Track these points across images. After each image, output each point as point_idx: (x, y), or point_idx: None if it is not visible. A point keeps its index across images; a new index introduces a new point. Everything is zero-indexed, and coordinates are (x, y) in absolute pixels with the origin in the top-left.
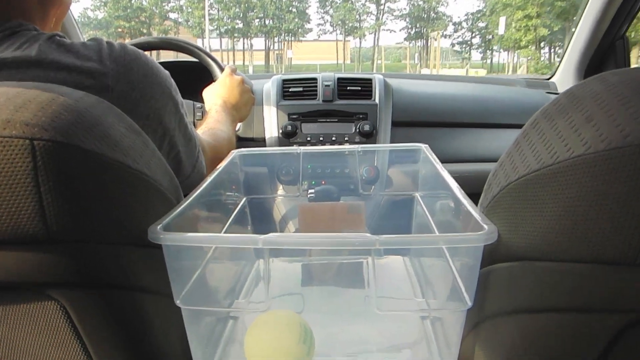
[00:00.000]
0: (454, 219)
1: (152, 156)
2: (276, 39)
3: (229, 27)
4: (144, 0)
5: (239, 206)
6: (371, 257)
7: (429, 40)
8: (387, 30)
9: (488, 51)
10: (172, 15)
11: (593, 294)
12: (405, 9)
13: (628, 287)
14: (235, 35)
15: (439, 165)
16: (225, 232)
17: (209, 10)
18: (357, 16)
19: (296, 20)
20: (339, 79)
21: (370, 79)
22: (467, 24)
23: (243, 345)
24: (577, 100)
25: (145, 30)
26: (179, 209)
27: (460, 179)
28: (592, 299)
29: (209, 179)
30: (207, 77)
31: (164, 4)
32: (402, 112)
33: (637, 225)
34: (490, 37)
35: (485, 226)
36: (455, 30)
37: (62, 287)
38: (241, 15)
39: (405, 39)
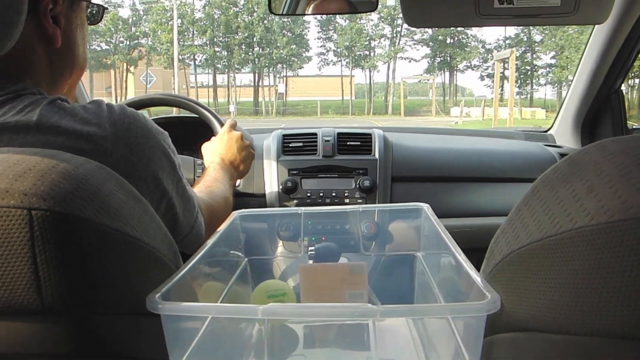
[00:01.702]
0: (457, 282)
1: (150, 222)
2: (267, 71)
3: (208, 55)
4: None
5: (240, 267)
6: (373, 321)
7: (455, 73)
8: (405, 59)
9: (526, 86)
10: (145, 40)
11: None
12: (427, 31)
13: None
14: (218, 67)
15: (440, 227)
16: (226, 294)
17: (178, 33)
18: (368, 41)
19: (293, 46)
20: (338, 134)
21: (369, 134)
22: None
23: None
24: (578, 169)
25: (108, 61)
26: (178, 276)
27: (461, 233)
28: None
29: (210, 242)
30: (208, 132)
31: (133, 26)
32: (402, 167)
33: None
34: (528, 69)
35: (488, 295)
36: (484, 61)
37: (57, 359)
38: (221, 40)
39: (425, 71)
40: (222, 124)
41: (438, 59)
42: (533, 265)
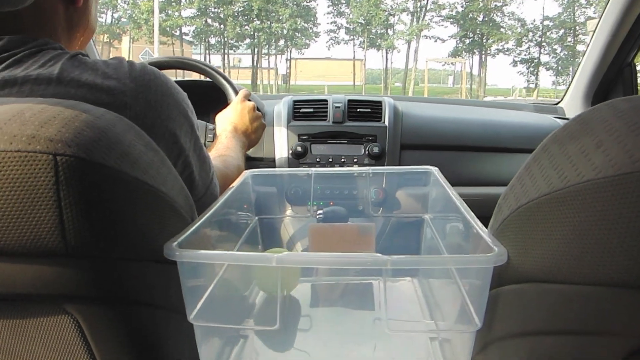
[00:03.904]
0: (464, 241)
1: (168, 174)
2: (267, 50)
3: (198, 28)
4: None
5: (250, 226)
6: (383, 278)
7: (485, 56)
8: (430, 37)
9: (567, 75)
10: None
11: (601, 317)
12: (456, 6)
13: (636, 311)
14: (212, 43)
15: (449, 188)
16: (237, 251)
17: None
18: (386, 16)
19: (299, 20)
20: (349, 100)
21: (380, 102)
22: (532, 36)
23: None
24: (587, 126)
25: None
26: (194, 227)
27: (468, 202)
28: (600, 322)
29: (222, 199)
30: (221, 99)
31: None
32: (411, 135)
33: None
34: (567, 54)
35: (495, 248)
36: (518, 44)
37: (77, 301)
38: (213, 10)
39: (451, 54)
40: (237, 92)
41: (468, 40)
42: (541, 218)
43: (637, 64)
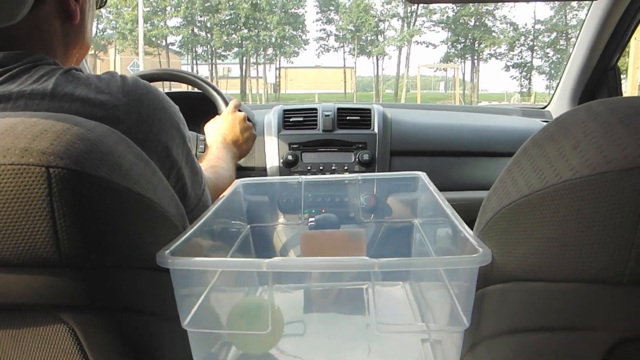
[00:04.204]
0: (451, 244)
1: (159, 184)
2: (256, 59)
3: (184, 37)
4: None
5: (243, 234)
6: (372, 281)
7: (478, 61)
8: (422, 43)
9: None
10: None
11: (583, 312)
12: (450, 7)
13: (616, 306)
14: (199, 53)
15: (436, 193)
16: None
17: (148, 11)
18: (376, 22)
19: (287, 28)
20: (338, 109)
21: (369, 109)
22: (524, 40)
23: None
24: (565, 128)
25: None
26: (186, 235)
27: (458, 206)
28: (582, 318)
29: (213, 208)
30: (212, 110)
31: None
32: (401, 141)
33: (622, 245)
34: (559, 57)
35: (480, 249)
36: (511, 49)
37: (73, 310)
38: (199, 19)
39: (442, 59)
40: (227, 103)
41: (459, 45)
42: (522, 219)
43: (620, 67)
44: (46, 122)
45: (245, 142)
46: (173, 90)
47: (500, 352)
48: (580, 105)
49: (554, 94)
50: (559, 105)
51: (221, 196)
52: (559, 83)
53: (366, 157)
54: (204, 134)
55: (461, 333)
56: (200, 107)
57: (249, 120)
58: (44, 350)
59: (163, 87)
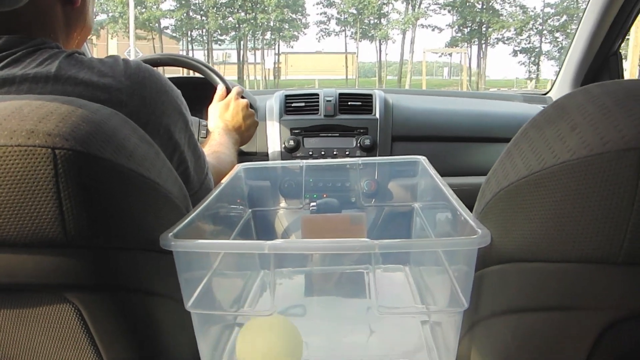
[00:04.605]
0: (451, 227)
1: (163, 166)
2: (254, 43)
3: (179, 20)
4: None
5: (244, 218)
6: (372, 263)
7: (485, 46)
8: (427, 26)
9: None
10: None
11: (579, 292)
12: None
13: (612, 285)
14: (195, 37)
15: (436, 177)
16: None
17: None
18: (379, 4)
19: (286, 11)
20: (340, 94)
21: (370, 95)
22: (533, 24)
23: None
24: (564, 111)
25: None
26: (189, 218)
27: (458, 192)
28: (579, 297)
29: (215, 192)
30: (214, 95)
31: None
32: (402, 126)
33: (617, 225)
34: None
35: (479, 230)
36: (519, 33)
37: (78, 290)
38: (193, 2)
39: (448, 44)
40: (229, 90)
41: (466, 29)
42: (520, 200)
43: (622, 52)
44: (51, 105)
45: (248, 129)
46: (174, 75)
47: (498, 332)
48: (578, 89)
49: (555, 80)
50: (560, 91)
51: (222, 181)
52: (560, 69)
53: (367, 142)
54: (206, 119)
55: (460, 314)
56: (202, 92)
57: (251, 107)
58: (50, 329)
59: (164, 73)
